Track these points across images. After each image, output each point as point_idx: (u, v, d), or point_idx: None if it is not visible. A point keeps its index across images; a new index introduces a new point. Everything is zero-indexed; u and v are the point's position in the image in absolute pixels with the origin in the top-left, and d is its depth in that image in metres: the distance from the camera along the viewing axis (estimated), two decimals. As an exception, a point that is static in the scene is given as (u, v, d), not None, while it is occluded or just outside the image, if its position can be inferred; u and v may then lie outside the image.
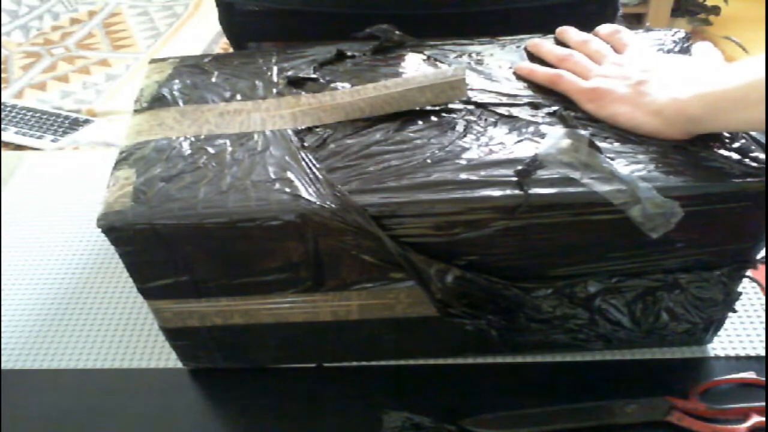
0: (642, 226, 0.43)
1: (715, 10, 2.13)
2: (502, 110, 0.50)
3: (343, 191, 0.43)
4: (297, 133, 0.49)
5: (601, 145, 0.46)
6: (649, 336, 0.53)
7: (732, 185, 0.43)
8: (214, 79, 0.55)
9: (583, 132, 0.46)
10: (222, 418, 0.55)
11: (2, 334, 0.61)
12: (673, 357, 0.55)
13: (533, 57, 0.56)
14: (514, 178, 0.43)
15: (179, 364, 0.57)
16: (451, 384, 0.55)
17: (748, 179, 0.43)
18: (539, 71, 0.53)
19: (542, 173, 0.44)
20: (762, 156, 0.44)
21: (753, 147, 0.45)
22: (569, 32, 0.57)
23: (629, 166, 0.44)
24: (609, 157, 0.45)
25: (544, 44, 0.57)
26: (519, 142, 0.47)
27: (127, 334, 0.60)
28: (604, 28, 0.57)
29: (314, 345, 0.55)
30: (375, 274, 0.47)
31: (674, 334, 0.53)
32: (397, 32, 0.57)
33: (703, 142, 0.46)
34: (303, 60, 0.57)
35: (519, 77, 0.54)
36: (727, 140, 0.46)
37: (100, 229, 0.44)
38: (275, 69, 0.56)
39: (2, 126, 1.85)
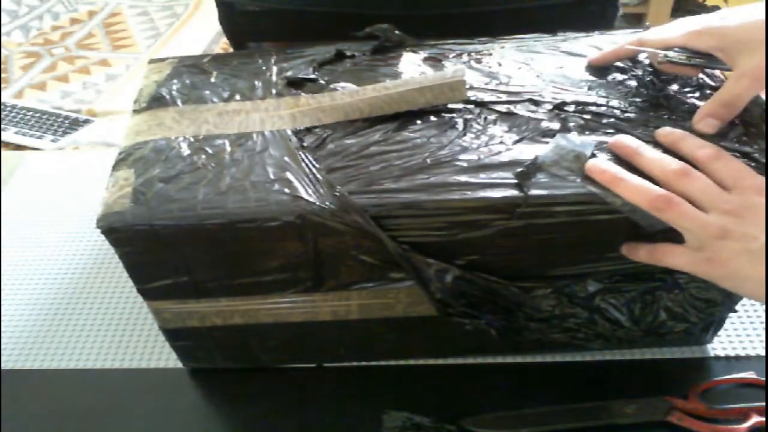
0: (640, 223, 0.43)
1: (715, 10, 2.13)
2: (502, 108, 0.50)
3: (342, 192, 0.43)
4: (296, 133, 0.49)
5: (601, 139, 0.46)
6: (648, 335, 0.53)
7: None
8: (213, 79, 0.55)
9: (588, 147, 0.46)
10: (222, 418, 0.55)
11: (2, 334, 0.61)
12: (673, 357, 0.55)
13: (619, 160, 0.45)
14: (514, 180, 0.43)
15: (179, 364, 0.57)
16: (451, 384, 0.55)
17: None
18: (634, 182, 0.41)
19: (542, 175, 0.44)
20: (762, 159, 0.44)
21: (752, 148, 0.45)
22: (688, 139, 0.44)
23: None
24: (609, 159, 0.45)
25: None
26: (519, 140, 0.47)
27: (127, 334, 0.60)
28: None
29: (314, 345, 0.55)
30: (375, 274, 0.47)
31: (674, 333, 0.53)
32: (396, 32, 0.57)
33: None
34: (302, 60, 0.57)
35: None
36: (726, 141, 0.46)
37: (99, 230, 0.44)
38: (274, 69, 0.56)
39: (2, 126, 1.85)
